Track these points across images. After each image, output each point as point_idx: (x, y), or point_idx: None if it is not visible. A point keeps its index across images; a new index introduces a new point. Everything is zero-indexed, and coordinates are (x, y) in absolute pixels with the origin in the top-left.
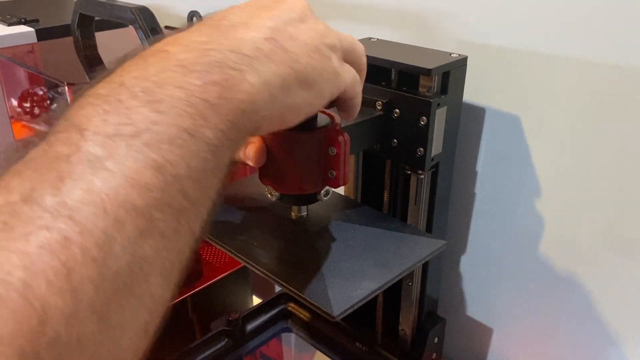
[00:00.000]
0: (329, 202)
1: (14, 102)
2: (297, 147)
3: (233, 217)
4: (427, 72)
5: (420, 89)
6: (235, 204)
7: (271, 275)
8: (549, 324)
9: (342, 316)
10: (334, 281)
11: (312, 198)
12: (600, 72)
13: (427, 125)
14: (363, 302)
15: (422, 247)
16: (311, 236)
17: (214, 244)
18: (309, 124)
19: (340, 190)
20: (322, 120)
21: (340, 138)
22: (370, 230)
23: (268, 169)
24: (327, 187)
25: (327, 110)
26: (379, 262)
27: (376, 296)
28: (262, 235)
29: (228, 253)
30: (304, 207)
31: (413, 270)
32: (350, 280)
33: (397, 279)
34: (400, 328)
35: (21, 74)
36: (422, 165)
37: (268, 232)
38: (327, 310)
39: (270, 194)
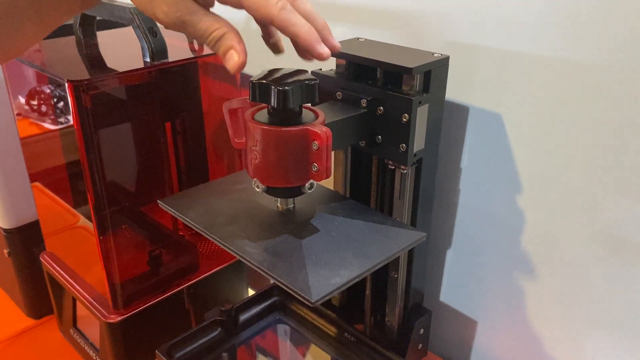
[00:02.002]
0: (316, 196)
1: (22, 100)
2: (282, 142)
3: (223, 210)
4: (409, 71)
5: (403, 87)
6: (227, 196)
7: (255, 264)
8: (532, 316)
9: (320, 302)
10: (314, 269)
11: (297, 191)
12: (579, 71)
13: (409, 122)
14: (341, 289)
15: (402, 239)
16: (296, 227)
17: (203, 234)
18: (293, 119)
19: (330, 185)
20: (307, 116)
21: (323, 133)
22: (354, 222)
23: (255, 162)
24: (311, 181)
25: (312, 107)
26: (359, 252)
27: (365, 290)
28: (249, 227)
29: (217, 243)
30: (290, 200)
31: (399, 263)
32: (330, 269)
33: (375, 268)
34: (386, 319)
35: (29, 72)
36: (404, 160)
37: (255, 224)
38: (306, 296)
39: (257, 187)
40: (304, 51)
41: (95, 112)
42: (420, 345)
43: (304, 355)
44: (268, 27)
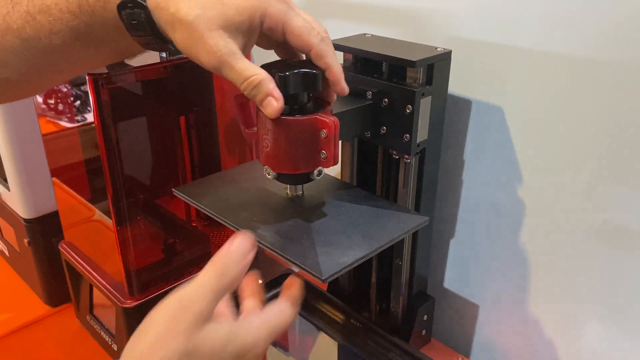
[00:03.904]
0: (323, 184)
1: (39, 99)
2: (291, 130)
3: (236, 197)
4: (412, 64)
5: (407, 80)
6: (239, 184)
7: (268, 246)
8: (533, 304)
9: (330, 279)
10: (324, 250)
11: (306, 177)
12: (579, 65)
13: (413, 113)
14: (349, 268)
15: (406, 222)
16: (305, 212)
17: (218, 219)
18: (303, 109)
19: (337, 174)
20: (316, 106)
21: (331, 122)
22: (360, 207)
23: (265, 152)
24: (319, 167)
25: (325, 98)
26: (366, 234)
27: (370, 277)
28: (261, 212)
29: (230, 227)
30: (299, 187)
31: (403, 251)
32: (339, 249)
33: (381, 249)
34: (391, 306)
35: None
36: (408, 150)
37: (266, 209)
38: (317, 274)
39: (268, 174)
40: (328, 86)
41: (114, 106)
42: (423, 332)
43: (311, 341)
44: (296, 56)
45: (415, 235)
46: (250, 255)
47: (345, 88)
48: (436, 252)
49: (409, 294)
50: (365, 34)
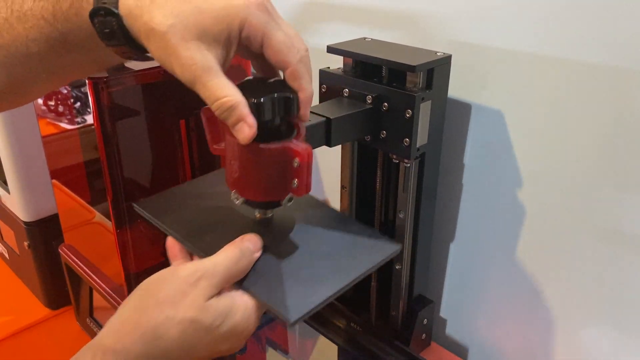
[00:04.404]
0: (294, 202)
1: (40, 100)
2: (261, 158)
3: (200, 216)
4: (412, 69)
5: (407, 85)
6: (204, 201)
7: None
8: (533, 308)
9: (298, 322)
10: (293, 286)
11: (276, 203)
12: (579, 70)
13: (412, 117)
14: (319, 307)
15: (377, 252)
16: (274, 240)
17: (182, 243)
18: (273, 134)
19: (337, 179)
20: (288, 130)
21: (303, 151)
22: (331, 234)
23: (234, 176)
24: (290, 194)
25: (294, 121)
26: (336, 267)
27: (370, 281)
28: (227, 236)
29: (194, 254)
30: (269, 210)
31: (403, 255)
32: (308, 286)
33: (352, 284)
34: (391, 310)
35: None
36: (408, 154)
37: (233, 234)
38: (285, 316)
39: (236, 198)
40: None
41: (114, 109)
42: (423, 335)
43: (311, 344)
44: (272, 70)
45: (415, 239)
46: (258, 254)
47: (306, 115)
48: (436, 256)
49: (409, 297)
50: (365, 38)
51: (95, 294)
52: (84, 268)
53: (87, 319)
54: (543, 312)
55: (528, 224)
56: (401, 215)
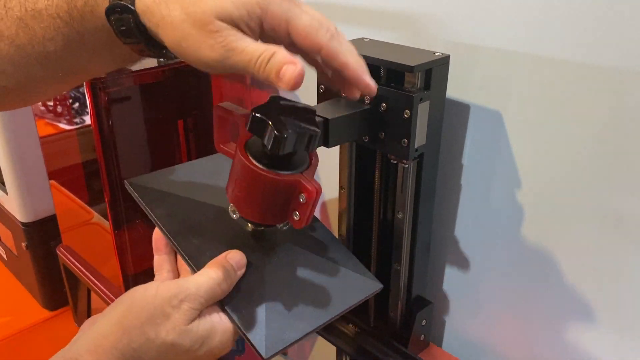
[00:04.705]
0: None
1: None
2: (270, 186)
3: (192, 212)
4: (410, 69)
5: (405, 85)
6: (197, 194)
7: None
8: (532, 309)
9: (272, 357)
10: (272, 318)
11: (271, 225)
12: (578, 70)
13: (411, 118)
14: (294, 344)
15: (359, 290)
16: (262, 258)
17: (168, 240)
18: (285, 163)
19: (335, 180)
20: (301, 160)
21: (313, 190)
22: (317, 260)
23: (236, 193)
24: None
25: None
26: (316, 300)
27: None
28: (214, 244)
29: (179, 253)
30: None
31: (401, 256)
32: (286, 320)
33: (329, 322)
34: (389, 311)
35: None
36: (406, 155)
37: (222, 242)
38: (260, 351)
39: (234, 212)
40: (349, 84)
41: (111, 110)
42: (422, 336)
43: (309, 346)
44: (315, 62)
45: (413, 240)
46: (241, 272)
47: (371, 85)
48: (435, 256)
49: (408, 298)
50: (363, 39)
51: (93, 295)
52: (82, 269)
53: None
54: (543, 312)
55: (527, 224)
56: (399, 216)
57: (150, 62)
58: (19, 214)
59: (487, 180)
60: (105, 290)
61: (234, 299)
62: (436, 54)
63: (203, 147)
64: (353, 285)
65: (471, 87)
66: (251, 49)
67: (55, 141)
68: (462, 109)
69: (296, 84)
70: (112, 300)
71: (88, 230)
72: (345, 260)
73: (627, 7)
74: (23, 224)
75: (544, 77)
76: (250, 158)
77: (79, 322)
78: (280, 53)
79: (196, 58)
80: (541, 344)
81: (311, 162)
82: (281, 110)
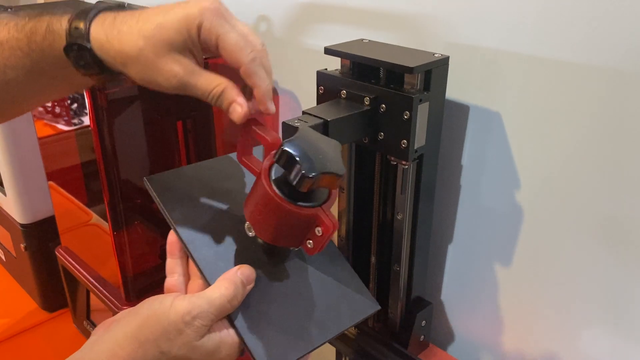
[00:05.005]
0: None
1: None
2: (288, 216)
3: (208, 219)
4: (410, 70)
5: (405, 86)
6: (214, 198)
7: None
8: (532, 310)
9: None
10: (275, 336)
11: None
12: (577, 71)
13: (410, 119)
14: None
15: (359, 311)
16: (271, 272)
17: (183, 246)
18: (306, 196)
19: None
20: (321, 194)
21: (330, 225)
22: (323, 279)
23: (255, 215)
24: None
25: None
26: (318, 319)
27: (368, 283)
28: (229, 255)
29: (193, 262)
30: None
31: (401, 256)
32: (289, 339)
33: (329, 340)
34: (389, 312)
35: None
36: (405, 156)
37: (234, 255)
38: None
39: (250, 230)
40: (256, 102)
41: (110, 111)
42: (422, 337)
43: None
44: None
45: (413, 240)
46: (250, 287)
47: (270, 108)
48: (434, 257)
49: (407, 299)
50: (362, 40)
51: (92, 296)
52: (81, 270)
53: (84, 322)
54: (542, 313)
55: (526, 225)
56: (399, 217)
57: None
58: (18, 215)
59: (487, 181)
60: (105, 292)
61: (242, 314)
62: (435, 55)
63: (202, 149)
64: (353, 306)
65: (470, 88)
66: (202, 85)
67: (54, 142)
68: (461, 110)
69: (242, 121)
70: (111, 302)
71: (87, 231)
72: (348, 279)
73: (626, 7)
74: (22, 225)
75: (544, 78)
76: (273, 186)
77: (78, 323)
78: (228, 92)
79: (156, 86)
80: (540, 345)
81: (330, 196)
82: (309, 145)
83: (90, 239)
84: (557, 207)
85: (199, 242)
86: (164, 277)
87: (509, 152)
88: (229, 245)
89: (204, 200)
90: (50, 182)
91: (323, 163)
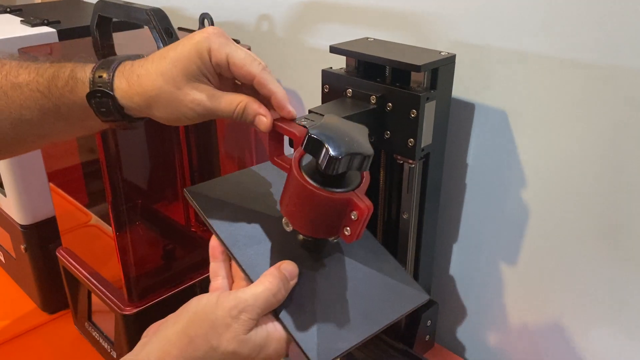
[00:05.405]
0: None
1: None
2: (323, 203)
3: (247, 222)
4: (417, 69)
5: (411, 85)
6: (251, 204)
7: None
8: (537, 309)
9: None
10: (323, 328)
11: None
12: (583, 70)
13: (417, 117)
14: (344, 354)
15: (407, 301)
16: (313, 267)
17: (225, 248)
18: (338, 181)
19: None
20: (353, 178)
21: (365, 208)
22: (365, 270)
23: (290, 208)
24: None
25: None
26: (366, 312)
27: None
28: (270, 253)
29: (235, 263)
30: None
31: (406, 256)
32: (337, 330)
33: (377, 333)
34: None
35: None
36: (412, 155)
37: (276, 251)
38: (311, 358)
39: (287, 225)
40: (274, 108)
41: None
42: (427, 337)
43: None
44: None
45: (419, 240)
46: (294, 282)
47: (291, 112)
48: (439, 256)
49: None
50: (367, 38)
51: (94, 298)
52: (82, 271)
53: (86, 323)
54: (548, 313)
55: (532, 224)
56: (405, 216)
57: None
58: (18, 216)
59: (492, 180)
60: (107, 293)
61: (287, 309)
62: (442, 53)
63: (203, 149)
64: (401, 297)
65: (477, 87)
66: (225, 106)
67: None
68: (467, 109)
69: (270, 129)
70: (114, 303)
71: (88, 232)
72: (393, 271)
73: (635, 5)
74: (22, 226)
75: (550, 76)
76: (305, 176)
77: (79, 325)
78: (250, 106)
79: (184, 119)
80: (546, 344)
81: (362, 180)
82: (335, 129)
83: (91, 241)
84: (563, 206)
85: (240, 243)
86: (167, 278)
87: (515, 150)
88: (270, 244)
89: (242, 204)
90: (51, 183)
91: (350, 144)
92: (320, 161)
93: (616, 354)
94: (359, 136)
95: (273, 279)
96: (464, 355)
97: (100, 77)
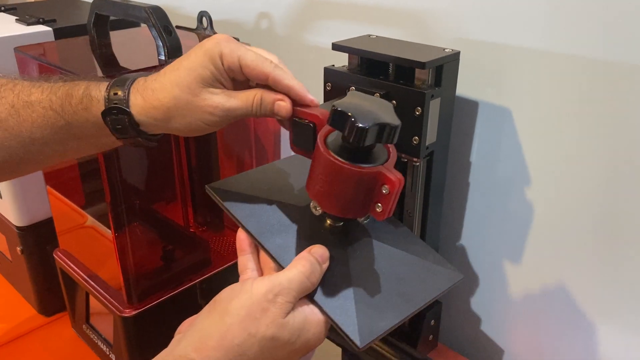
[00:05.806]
0: None
1: None
2: (352, 179)
3: (272, 212)
4: (422, 66)
5: (415, 82)
6: (275, 195)
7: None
8: (540, 308)
9: (366, 347)
10: (362, 309)
11: (352, 219)
12: (587, 67)
13: (422, 115)
14: (385, 333)
15: (443, 280)
16: (344, 252)
17: (253, 239)
18: (366, 156)
19: None
20: (380, 153)
21: (397, 181)
22: (399, 254)
23: (317, 188)
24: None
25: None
26: (402, 292)
27: None
28: (298, 241)
29: (265, 253)
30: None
31: None
32: (376, 310)
33: (416, 312)
34: None
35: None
36: (417, 153)
37: (304, 238)
38: (355, 340)
39: (315, 209)
40: (295, 102)
41: None
42: (431, 337)
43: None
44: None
45: (422, 238)
46: (326, 266)
47: (313, 100)
48: (443, 255)
49: None
50: (370, 35)
51: (92, 300)
52: (80, 273)
53: (84, 325)
54: (551, 312)
55: (536, 223)
56: (409, 214)
57: (150, 62)
58: (14, 218)
59: (496, 179)
60: (106, 295)
61: (323, 292)
62: (446, 50)
63: (203, 149)
64: (436, 277)
65: (480, 84)
66: (242, 103)
67: None
68: (471, 107)
69: (290, 113)
70: (113, 305)
71: (85, 233)
72: (425, 253)
73: (636, 4)
74: (18, 227)
75: (555, 74)
76: (331, 152)
77: (77, 328)
78: (266, 96)
79: (205, 126)
80: (550, 344)
81: (390, 155)
82: (360, 102)
83: (88, 242)
84: (568, 204)
85: (268, 232)
86: (166, 279)
87: (519, 148)
88: (299, 231)
89: (266, 196)
90: (47, 184)
91: (376, 115)
92: (347, 134)
93: (620, 354)
94: (385, 108)
95: (305, 262)
96: (467, 355)
97: (116, 94)
